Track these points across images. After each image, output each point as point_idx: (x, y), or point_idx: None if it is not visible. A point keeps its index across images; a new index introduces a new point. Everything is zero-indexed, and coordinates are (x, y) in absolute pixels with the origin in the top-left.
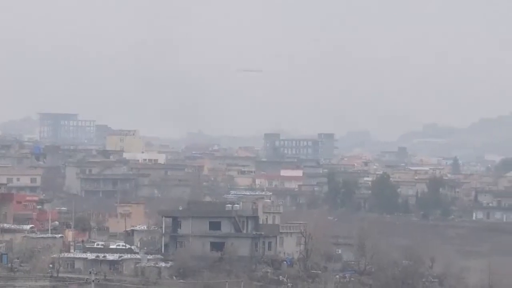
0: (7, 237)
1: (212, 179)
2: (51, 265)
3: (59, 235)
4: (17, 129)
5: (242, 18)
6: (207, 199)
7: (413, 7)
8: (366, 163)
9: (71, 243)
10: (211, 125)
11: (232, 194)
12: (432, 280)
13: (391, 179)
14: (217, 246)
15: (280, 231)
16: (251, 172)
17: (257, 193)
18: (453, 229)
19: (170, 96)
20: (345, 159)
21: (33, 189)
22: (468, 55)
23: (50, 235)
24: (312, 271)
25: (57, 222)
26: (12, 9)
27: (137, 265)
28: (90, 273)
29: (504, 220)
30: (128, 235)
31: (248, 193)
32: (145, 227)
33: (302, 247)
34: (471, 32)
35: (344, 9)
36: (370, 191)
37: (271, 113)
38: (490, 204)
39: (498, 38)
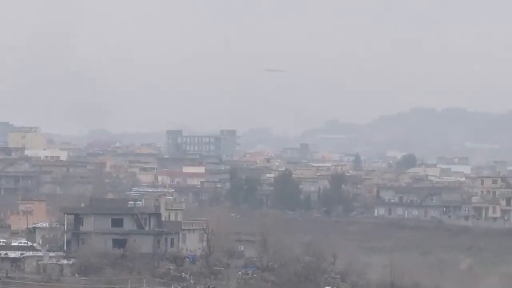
0: None
1: (114, 176)
2: None
3: None
4: None
5: (142, 11)
6: (110, 196)
7: (314, 2)
8: (268, 160)
9: None
10: (112, 122)
11: (134, 191)
12: (335, 276)
13: (293, 175)
14: (119, 243)
15: (183, 227)
16: (153, 169)
17: (159, 190)
18: (355, 225)
19: (71, 92)
20: (247, 155)
21: None
22: (369, 52)
23: None
24: (215, 267)
25: None
26: None
27: (39, 262)
28: None
29: (406, 216)
30: (30, 233)
31: (150, 190)
32: (47, 224)
33: (204, 243)
34: (371, 29)
35: (239, 2)
36: (272, 188)
37: (173, 110)
38: (392, 200)
39: (399, 36)
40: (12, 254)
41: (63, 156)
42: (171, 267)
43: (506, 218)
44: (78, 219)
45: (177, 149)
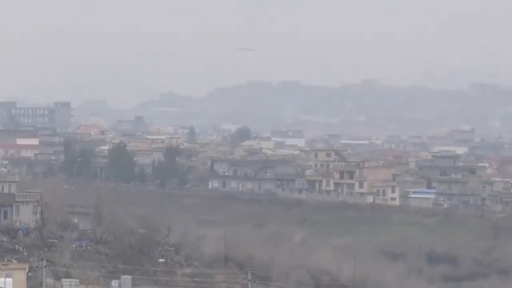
0: None
1: None
2: None
3: None
4: None
5: None
6: None
7: None
8: (102, 132)
9: None
10: None
11: None
12: (169, 248)
13: (127, 148)
14: None
15: (16, 200)
16: None
17: None
18: (189, 198)
19: None
20: (81, 127)
21: None
22: (202, 23)
23: None
24: (48, 240)
25: None
26: None
27: None
28: None
29: (240, 189)
30: None
31: None
32: None
33: (38, 216)
34: (204, 7)
35: None
36: (106, 160)
37: (7, 81)
38: (226, 173)
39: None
40: None
41: None
42: (5, 239)
43: (339, 191)
44: None
45: (10, 121)
